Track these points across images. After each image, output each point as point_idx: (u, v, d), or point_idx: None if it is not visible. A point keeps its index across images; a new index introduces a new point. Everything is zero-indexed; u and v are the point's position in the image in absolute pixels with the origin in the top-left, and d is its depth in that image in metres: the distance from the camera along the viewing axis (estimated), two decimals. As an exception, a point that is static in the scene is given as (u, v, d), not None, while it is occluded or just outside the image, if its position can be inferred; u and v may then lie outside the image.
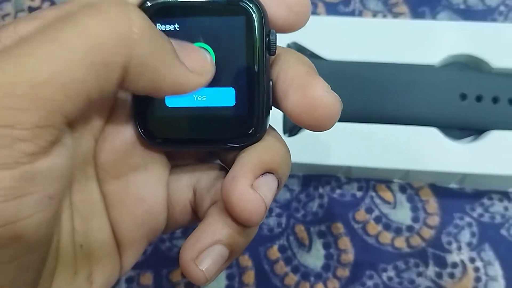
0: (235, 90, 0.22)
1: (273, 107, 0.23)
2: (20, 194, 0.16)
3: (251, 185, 0.21)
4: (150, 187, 0.24)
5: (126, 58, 0.18)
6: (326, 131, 0.22)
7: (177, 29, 0.22)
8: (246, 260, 0.40)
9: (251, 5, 0.22)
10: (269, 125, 0.23)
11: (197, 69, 0.20)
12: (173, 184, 0.25)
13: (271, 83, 0.23)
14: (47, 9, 0.22)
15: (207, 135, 0.23)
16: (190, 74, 0.20)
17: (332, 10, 0.46)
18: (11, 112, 0.16)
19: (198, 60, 0.21)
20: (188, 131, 0.23)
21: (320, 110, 0.21)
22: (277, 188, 0.22)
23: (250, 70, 0.22)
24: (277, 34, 0.22)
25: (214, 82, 0.22)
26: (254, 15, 0.22)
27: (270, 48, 0.22)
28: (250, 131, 0.23)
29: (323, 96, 0.21)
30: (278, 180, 0.22)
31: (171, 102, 0.23)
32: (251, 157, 0.22)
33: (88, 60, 0.17)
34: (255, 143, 0.23)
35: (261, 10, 0.22)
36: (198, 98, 0.23)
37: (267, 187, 0.22)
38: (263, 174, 0.22)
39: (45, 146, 0.17)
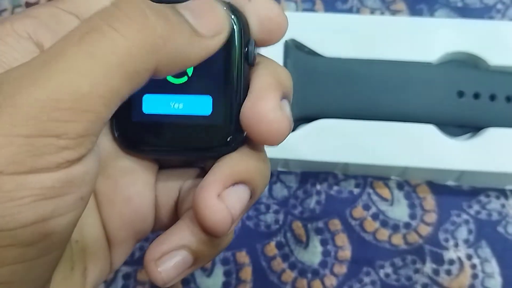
0: (212, 98, 0.22)
1: None
2: (57, 194, 0.17)
3: (218, 195, 0.21)
4: (138, 188, 0.24)
5: (156, 61, 0.18)
6: (276, 145, 0.21)
7: None
8: (243, 257, 0.40)
9: (231, 15, 0.21)
10: None
11: (216, 30, 0.20)
12: (160, 186, 0.25)
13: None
14: (40, 7, 0.22)
15: (182, 143, 0.23)
16: (209, 41, 0.20)
17: (330, 7, 0.46)
18: (58, 124, 0.16)
19: (214, 21, 0.20)
20: (164, 139, 0.23)
21: (264, 124, 0.21)
22: (250, 199, 0.22)
23: (228, 80, 0.22)
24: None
25: (192, 90, 0.22)
26: (234, 25, 0.21)
27: (248, 58, 0.22)
28: (227, 140, 0.22)
29: (268, 111, 0.21)
30: (250, 191, 0.22)
31: (148, 109, 0.23)
32: (223, 167, 0.22)
33: (122, 71, 0.17)
34: (230, 152, 0.22)
35: (240, 20, 0.22)
36: (175, 105, 0.22)
37: (236, 198, 0.21)
38: (234, 184, 0.22)
39: (84, 153, 0.18)
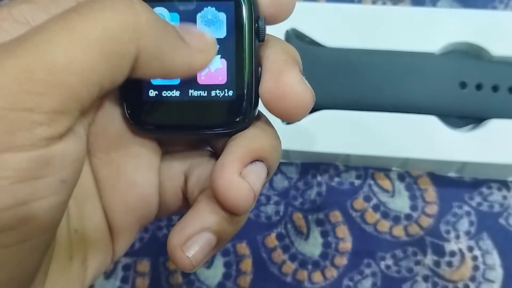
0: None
1: None
2: (34, 176, 0.17)
3: (240, 173, 0.21)
4: (141, 173, 0.24)
5: (136, 47, 0.18)
6: (298, 121, 0.22)
7: (168, 13, 0.22)
8: (243, 248, 0.40)
9: None
10: (259, 111, 0.23)
11: (202, 47, 0.21)
12: (164, 170, 0.25)
13: (260, 69, 0.22)
14: None
15: (195, 121, 0.23)
16: (196, 53, 0.20)
17: (331, -3, 0.45)
18: (30, 97, 0.16)
19: (201, 39, 0.21)
20: (176, 117, 0.23)
21: (290, 98, 0.21)
22: (267, 176, 0.22)
23: (239, 56, 0.22)
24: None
25: None
26: (243, 0, 0.22)
27: (259, 34, 0.22)
28: (239, 117, 0.22)
29: (294, 85, 0.21)
30: (267, 168, 0.22)
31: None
32: (240, 145, 0.22)
33: (101, 49, 0.17)
34: (244, 129, 0.23)
35: None
36: None
37: (256, 175, 0.22)
38: (252, 162, 0.22)
39: (61, 132, 0.17)
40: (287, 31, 0.40)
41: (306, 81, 0.22)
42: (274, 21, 0.23)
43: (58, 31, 0.17)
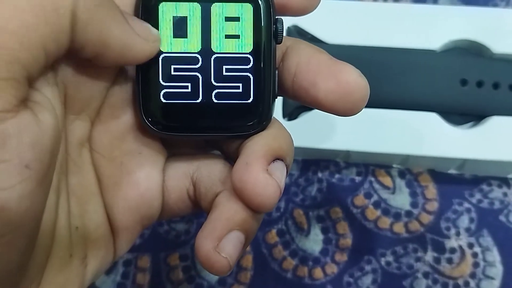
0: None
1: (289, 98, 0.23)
2: None
3: (266, 170, 0.21)
4: (145, 172, 0.24)
5: (73, 2, 0.18)
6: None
7: (187, 14, 0.22)
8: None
9: None
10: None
11: (145, 35, 0.20)
12: (170, 172, 0.24)
13: (277, 71, 0.23)
14: None
15: (214, 123, 0.23)
16: (137, 37, 0.20)
17: (332, -6, 0.45)
18: None
19: (146, 28, 0.21)
20: (193, 119, 0.23)
21: (356, 94, 0.22)
22: (286, 174, 0.23)
23: (257, 58, 0.22)
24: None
25: None
26: (261, 2, 0.22)
27: (277, 36, 0.22)
28: (257, 119, 0.23)
29: (356, 80, 0.22)
30: (286, 166, 0.23)
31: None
32: (262, 144, 0.22)
33: (36, 4, 0.16)
34: (261, 131, 0.23)
35: None
36: None
37: (280, 173, 0.22)
38: (274, 160, 0.22)
39: (11, 102, 0.16)
40: (288, 27, 0.40)
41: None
42: (303, 13, 0.23)
43: None
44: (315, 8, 0.23)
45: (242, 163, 0.22)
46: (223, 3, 0.22)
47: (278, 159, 0.22)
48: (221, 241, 0.21)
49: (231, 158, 0.24)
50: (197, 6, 0.22)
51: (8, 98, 0.16)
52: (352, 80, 0.21)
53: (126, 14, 0.20)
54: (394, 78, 0.39)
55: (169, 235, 0.40)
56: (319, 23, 0.40)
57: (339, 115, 0.22)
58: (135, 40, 0.20)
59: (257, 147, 0.22)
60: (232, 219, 0.22)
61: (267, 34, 0.22)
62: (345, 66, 0.22)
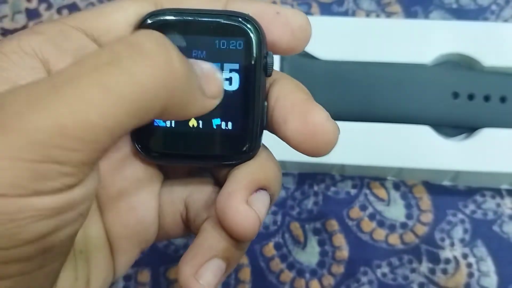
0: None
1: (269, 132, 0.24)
2: (58, 213, 0.17)
3: (246, 201, 0.22)
4: (142, 198, 0.24)
5: (166, 102, 0.18)
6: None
7: (177, 46, 0.23)
8: (242, 257, 0.40)
9: (250, 27, 0.22)
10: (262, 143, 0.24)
11: (214, 94, 0.20)
12: (164, 196, 0.25)
13: (266, 103, 0.23)
14: (48, 23, 0.22)
15: (202, 151, 0.23)
16: (207, 100, 0.20)
17: (326, 10, 0.46)
18: (62, 152, 0.16)
19: (216, 85, 0.20)
20: (184, 147, 0.23)
21: (320, 136, 0.22)
22: (270, 204, 0.23)
23: (247, 90, 0.23)
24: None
25: None
26: (252, 36, 0.22)
27: (267, 69, 0.23)
28: (245, 149, 0.23)
29: (323, 123, 0.22)
30: (270, 196, 0.23)
31: None
32: (246, 174, 0.22)
33: (134, 106, 0.17)
34: (248, 160, 0.23)
35: (259, 32, 0.22)
36: None
37: (261, 203, 0.22)
38: (257, 190, 0.22)
39: (83, 179, 0.18)
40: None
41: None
42: (292, 52, 0.23)
43: (91, 86, 0.16)
44: (303, 49, 0.24)
45: (225, 192, 0.22)
46: (215, 37, 0.22)
47: (262, 189, 0.22)
48: (201, 268, 0.22)
49: (221, 184, 0.24)
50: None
51: (82, 177, 0.18)
52: (319, 122, 0.21)
53: (203, 71, 0.20)
54: (387, 92, 0.39)
55: (168, 249, 0.41)
56: (312, 39, 0.40)
57: (306, 155, 0.22)
58: (205, 104, 0.20)
59: (240, 176, 0.22)
60: (214, 247, 0.22)
61: (257, 67, 0.22)
62: (315, 107, 0.22)
